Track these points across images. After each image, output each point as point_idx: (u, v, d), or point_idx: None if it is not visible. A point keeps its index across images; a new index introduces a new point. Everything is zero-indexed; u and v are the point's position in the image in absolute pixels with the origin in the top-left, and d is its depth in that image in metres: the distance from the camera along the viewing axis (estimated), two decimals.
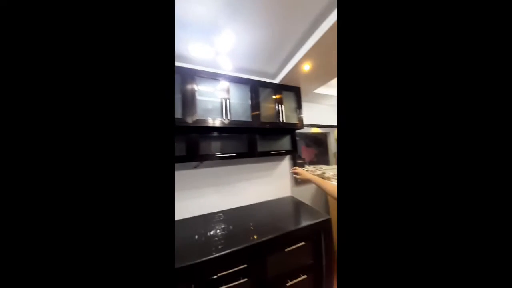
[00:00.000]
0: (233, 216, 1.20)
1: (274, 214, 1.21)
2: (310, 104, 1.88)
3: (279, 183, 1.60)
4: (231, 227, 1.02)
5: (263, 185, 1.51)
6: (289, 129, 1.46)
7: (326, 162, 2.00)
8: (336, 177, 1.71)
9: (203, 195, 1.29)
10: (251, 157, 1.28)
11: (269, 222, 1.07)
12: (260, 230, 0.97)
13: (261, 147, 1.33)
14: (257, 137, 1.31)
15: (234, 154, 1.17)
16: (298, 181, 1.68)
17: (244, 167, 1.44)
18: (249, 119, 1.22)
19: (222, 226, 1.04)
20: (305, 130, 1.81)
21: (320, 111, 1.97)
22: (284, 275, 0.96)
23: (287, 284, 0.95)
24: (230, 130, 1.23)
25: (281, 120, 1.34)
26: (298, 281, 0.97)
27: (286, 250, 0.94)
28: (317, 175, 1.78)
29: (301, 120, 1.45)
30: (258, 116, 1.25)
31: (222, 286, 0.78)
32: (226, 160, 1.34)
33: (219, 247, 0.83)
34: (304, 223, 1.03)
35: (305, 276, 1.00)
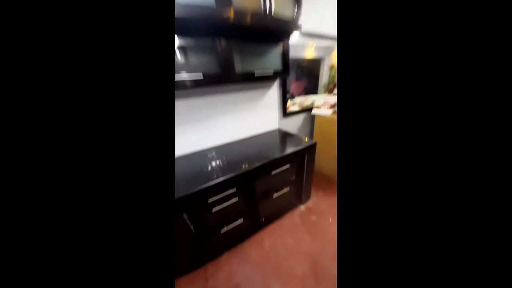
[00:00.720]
0: (219, 153, 1.15)
1: (262, 146, 1.18)
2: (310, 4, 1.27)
3: (266, 115, 1.43)
4: (218, 162, 0.99)
5: (248, 119, 1.35)
6: (279, 34, 0.93)
7: (315, 92, 1.82)
8: (325, 106, 1.64)
9: (180, 134, 1.13)
10: (228, 83, 0.89)
11: (257, 154, 1.05)
12: (247, 161, 0.96)
13: (240, 65, 0.89)
14: (233, 49, 0.82)
15: (201, 79, 0.78)
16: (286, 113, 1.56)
17: (223, 99, 1.18)
18: (213, 6, 0.66)
19: (208, 163, 1.00)
20: (297, 53, 1.38)
21: (323, 15, 1.38)
22: (270, 190, 1.11)
23: (273, 196, 1.13)
24: (185, 29, 0.68)
25: (268, 14, 0.79)
26: (282, 193, 1.16)
27: (272, 173, 1.01)
28: (306, 106, 1.72)
29: (297, 20, 0.91)
30: (230, 7, 0.69)
31: (215, 206, 0.86)
32: (198, 89, 1.05)
33: (211, 177, 0.82)
34: (290, 150, 1.04)
35: (288, 189, 1.18)
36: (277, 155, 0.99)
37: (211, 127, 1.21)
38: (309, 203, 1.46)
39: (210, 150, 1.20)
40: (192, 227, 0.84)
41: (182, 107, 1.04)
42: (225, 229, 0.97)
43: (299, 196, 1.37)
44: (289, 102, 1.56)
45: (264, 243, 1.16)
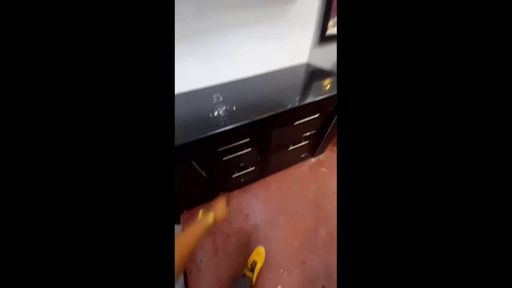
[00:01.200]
0: (230, 92, 0.89)
1: (286, 86, 0.87)
2: None
3: (295, 40, 0.95)
4: (229, 105, 0.77)
5: (268, 43, 0.91)
6: None
7: None
8: None
9: (179, 62, 0.82)
10: None
11: (278, 97, 0.79)
12: (265, 105, 0.73)
13: None
14: None
15: None
16: (322, 41, 1.05)
17: (232, 16, 0.72)
18: None
19: (217, 105, 0.79)
20: None
21: None
22: (287, 143, 0.98)
23: (289, 149, 1.02)
24: None
25: None
26: (299, 146, 1.04)
27: (294, 124, 0.81)
28: None
29: None
30: None
31: (226, 156, 0.77)
32: None
33: (221, 123, 0.65)
34: (322, 95, 0.76)
35: (306, 142, 1.05)
36: (305, 101, 0.74)
37: (220, 54, 0.84)
38: (321, 156, 1.41)
39: (218, 87, 0.93)
40: (203, 173, 0.81)
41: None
42: (236, 174, 0.97)
43: (314, 149, 1.27)
44: (330, 21, 1.00)
45: (271, 186, 1.24)
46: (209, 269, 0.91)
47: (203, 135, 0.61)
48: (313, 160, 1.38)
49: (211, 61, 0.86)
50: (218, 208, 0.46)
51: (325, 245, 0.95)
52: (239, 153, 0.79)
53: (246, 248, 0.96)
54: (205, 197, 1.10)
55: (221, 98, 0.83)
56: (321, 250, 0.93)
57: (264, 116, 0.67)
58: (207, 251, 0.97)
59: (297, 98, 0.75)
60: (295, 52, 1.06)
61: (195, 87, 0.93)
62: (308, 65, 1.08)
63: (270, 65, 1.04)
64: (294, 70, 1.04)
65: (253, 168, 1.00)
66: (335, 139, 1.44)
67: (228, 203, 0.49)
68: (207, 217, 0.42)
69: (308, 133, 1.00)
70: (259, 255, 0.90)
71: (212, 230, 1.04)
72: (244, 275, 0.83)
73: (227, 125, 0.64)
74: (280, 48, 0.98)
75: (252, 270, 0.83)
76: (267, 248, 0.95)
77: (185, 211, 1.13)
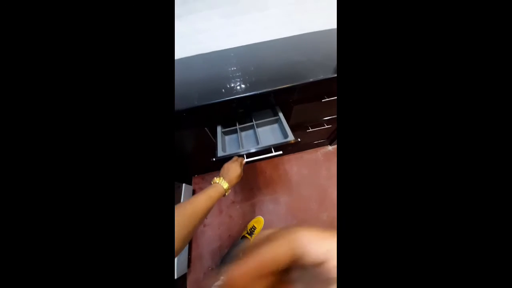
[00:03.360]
0: (255, 53, 0.78)
1: (317, 54, 0.73)
2: None
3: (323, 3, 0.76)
4: (253, 69, 0.68)
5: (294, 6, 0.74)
6: None
7: None
8: None
9: (204, 26, 0.71)
10: None
11: (306, 66, 0.67)
12: (289, 75, 0.62)
13: None
14: None
15: None
16: None
17: None
18: None
19: (239, 68, 0.70)
20: None
21: None
22: (307, 122, 0.89)
23: (307, 130, 0.93)
24: None
25: None
26: (319, 129, 0.94)
27: (323, 100, 0.71)
28: None
29: None
30: None
31: (236, 127, 0.73)
32: None
33: (238, 90, 0.59)
34: None
35: (329, 126, 0.94)
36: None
37: (247, 3, 0.70)
38: None
39: (241, 49, 0.82)
40: (215, 140, 0.80)
41: None
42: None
43: (334, 137, 1.16)
44: None
45: (280, 166, 1.23)
46: (212, 226, 1.02)
47: (217, 100, 0.56)
48: (329, 148, 1.29)
49: (233, 16, 0.73)
50: (232, 170, 0.46)
51: (324, 228, 0.97)
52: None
53: (247, 216, 1.03)
54: (215, 166, 1.15)
55: (240, 63, 0.73)
56: None
57: (287, 86, 0.58)
58: (212, 211, 1.06)
59: (333, 66, 0.62)
60: (331, 12, 0.84)
61: (214, 49, 0.83)
62: None
63: (303, 26, 0.86)
64: (329, 33, 0.85)
65: None
66: None
67: (241, 165, 0.50)
68: (220, 184, 0.42)
69: (332, 116, 0.89)
70: (258, 223, 0.97)
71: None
72: (243, 237, 0.91)
73: (244, 93, 0.57)
74: (320, 5, 0.77)
75: (251, 234, 0.91)
76: (266, 220, 1.01)
77: (196, 175, 1.21)
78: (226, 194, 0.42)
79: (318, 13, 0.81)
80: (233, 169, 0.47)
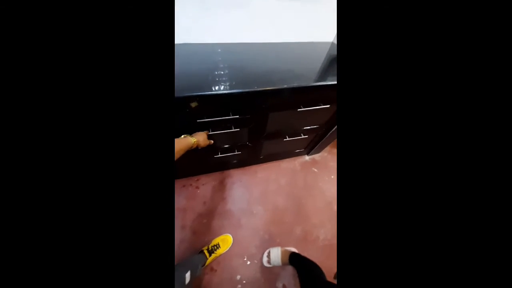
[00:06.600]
0: (239, 52, 0.71)
1: (300, 63, 0.71)
2: None
3: (323, 12, 0.76)
4: (232, 69, 0.60)
5: (290, 10, 0.71)
6: None
7: None
8: None
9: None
10: None
11: (288, 71, 0.63)
12: (269, 78, 0.57)
13: None
14: None
15: None
16: None
17: None
18: None
19: (223, 63, 0.62)
20: None
21: None
22: (284, 132, 0.85)
23: (284, 139, 0.89)
24: None
25: None
26: (296, 139, 0.92)
27: (298, 110, 0.67)
28: None
29: None
30: None
31: (208, 130, 0.64)
32: None
33: (211, 86, 0.50)
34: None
35: (306, 136, 0.92)
36: (318, 83, 0.58)
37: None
38: (317, 156, 1.31)
39: (221, 47, 0.74)
40: None
41: None
42: (219, 155, 0.86)
43: (311, 147, 1.16)
44: None
45: (257, 174, 1.16)
46: None
47: (181, 95, 0.47)
48: (307, 158, 1.29)
49: (217, 9, 0.66)
50: (200, 136, 0.55)
51: (297, 243, 0.92)
52: (224, 130, 0.66)
53: (215, 231, 0.92)
54: (185, 170, 1.01)
55: (220, 59, 0.66)
56: (292, 248, 0.90)
57: (263, 89, 0.52)
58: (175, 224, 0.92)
59: (313, 78, 0.59)
60: (322, 27, 0.85)
61: (193, 41, 0.74)
62: (334, 45, 0.88)
63: (289, 35, 0.84)
64: (315, 47, 0.85)
65: (239, 152, 0.88)
66: (336, 141, 1.32)
67: (208, 138, 0.59)
68: (190, 137, 0.51)
69: (309, 127, 0.87)
70: (224, 241, 0.86)
71: (183, 207, 0.98)
72: (201, 252, 0.79)
73: (216, 90, 0.49)
74: (305, 17, 0.77)
75: (210, 252, 0.79)
76: (236, 235, 0.91)
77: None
78: (193, 146, 0.51)
79: (306, 27, 0.80)
80: (200, 133, 0.57)
